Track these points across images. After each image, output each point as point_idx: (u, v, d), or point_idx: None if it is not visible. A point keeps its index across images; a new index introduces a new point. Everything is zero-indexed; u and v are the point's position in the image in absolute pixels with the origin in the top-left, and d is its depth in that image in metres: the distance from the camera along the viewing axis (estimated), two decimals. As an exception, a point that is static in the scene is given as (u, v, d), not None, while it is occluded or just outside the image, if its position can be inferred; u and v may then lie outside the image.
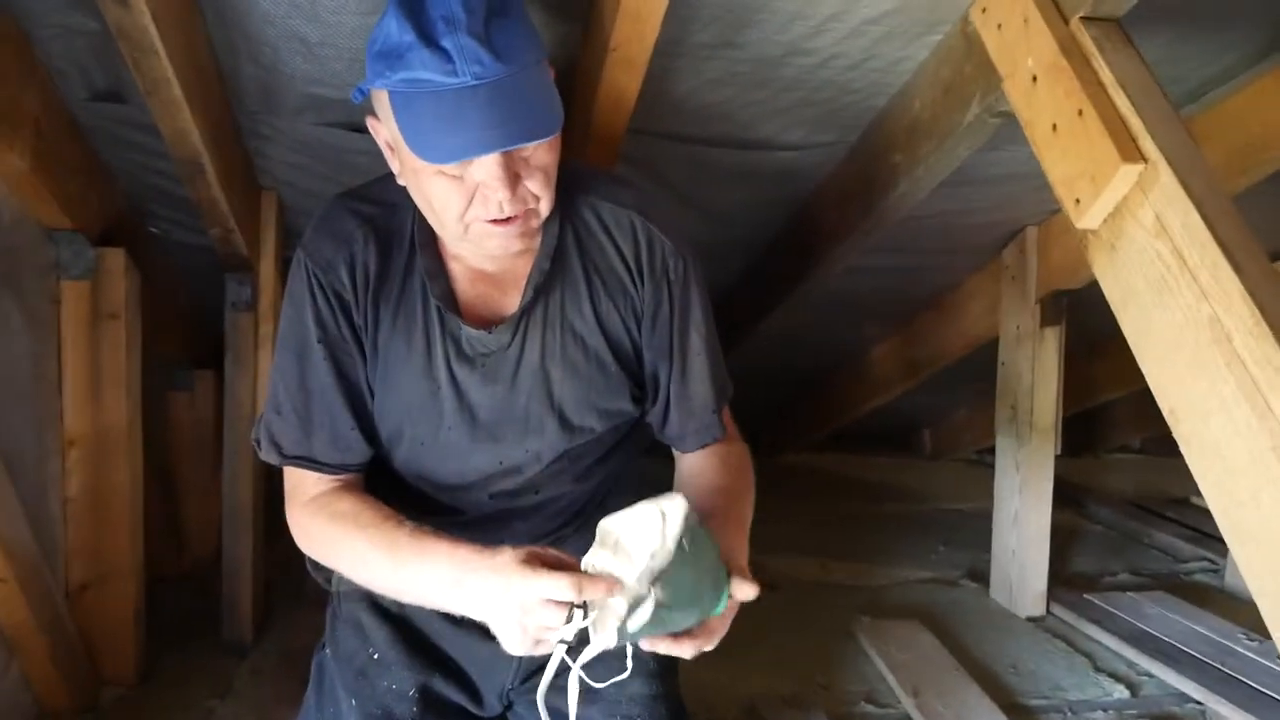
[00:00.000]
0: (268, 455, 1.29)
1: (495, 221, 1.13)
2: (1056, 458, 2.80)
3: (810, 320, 3.03)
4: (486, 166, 1.09)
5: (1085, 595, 2.91)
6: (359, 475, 1.32)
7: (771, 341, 3.07)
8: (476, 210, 1.13)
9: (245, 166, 2.05)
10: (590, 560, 1.01)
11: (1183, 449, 1.20)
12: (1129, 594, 2.93)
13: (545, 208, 1.17)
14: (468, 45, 1.04)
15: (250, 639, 2.37)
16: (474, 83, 1.05)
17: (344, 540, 1.21)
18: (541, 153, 1.13)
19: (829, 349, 3.52)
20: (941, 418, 4.41)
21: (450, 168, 1.09)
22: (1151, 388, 1.25)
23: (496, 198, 1.10)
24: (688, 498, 1.03)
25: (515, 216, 1.14)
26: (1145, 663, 2.49)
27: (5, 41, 1.51)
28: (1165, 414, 1.22)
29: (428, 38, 1.05)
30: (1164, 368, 1.22)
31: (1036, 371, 2.69)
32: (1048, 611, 2.84)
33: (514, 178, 1.11)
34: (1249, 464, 1.09)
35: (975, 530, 3.37)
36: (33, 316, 1.90)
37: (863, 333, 3.42)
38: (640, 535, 0.99)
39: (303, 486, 1.30)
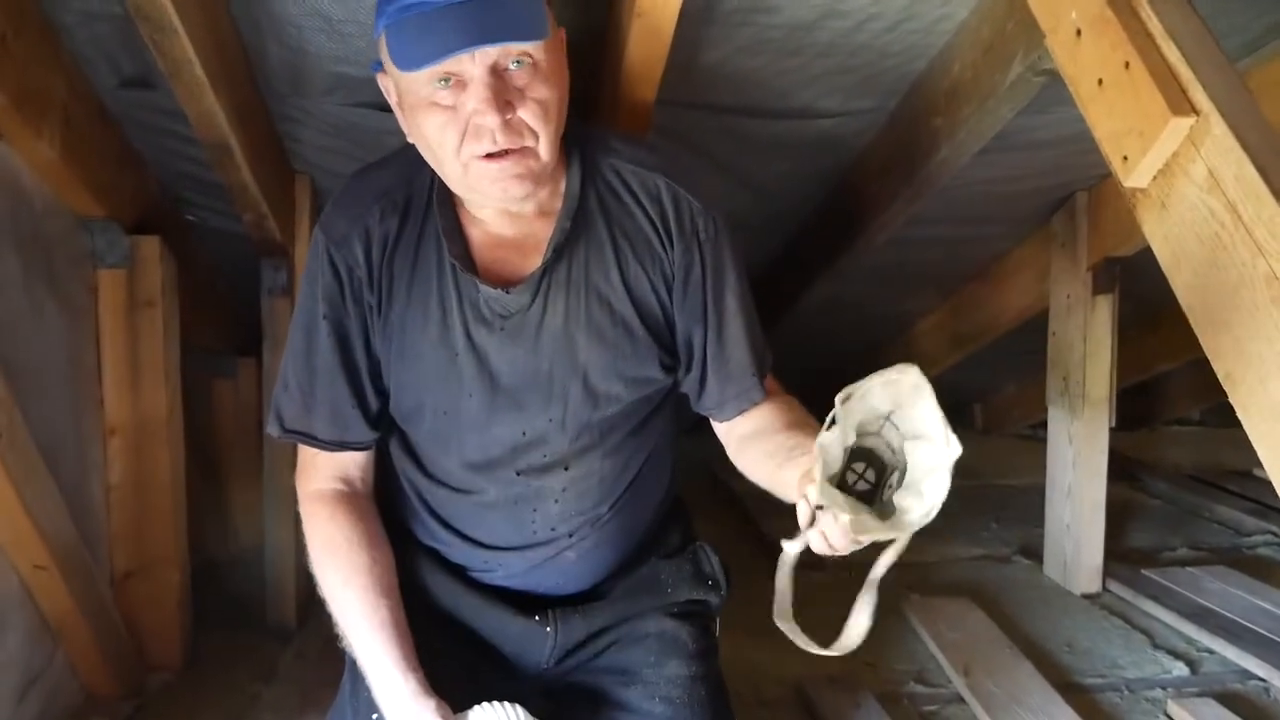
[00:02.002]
0: (271, 427, 1.32)
1: (490, 157, 1.12)
2: (1112, 431, 2.73)
3: (855, 294, 2.98)
4: (476, 90, 1.09)
5: (1142, 571, 2.83)
6: (365, 472, 1.35)
7: (815, 316, 3.03)
8: (471, 145, 1.12)
9: (276, 150, 2.04)
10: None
11: (1240, 415, 1.14)
12: (1188, 569, 2.85)
13: (545, 149, 1.15)
14: None
15: (294, 623, 2.39)
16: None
17: (331, 577, 1.28)
18: (536, 85, 1.13)
19: (874, 323, 3.46)
20: (991, 392, 4.33)
21: (442, 97, 1.10)
22: (1207, 352, 1.19)
23: (487, 125, 1.10)
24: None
25: (511, 151, 1.12)
26: (1205, 639, 2.42)
27: (29, 29, 1.51)
28: (1221, 379, 1.16)
29: None
30: (1219, 330, 1.16)
31: (1089, 341, 2.62)
32: (1103, 588, 2.77)
33: (504, 104, 1.10)
34: (1312, 429, 1.04)
35: (1027, 506, 3.29)
36: (68, 305, 1.91)
37: (909, 306, 3.36)
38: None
39: (311, 467, 1.33)
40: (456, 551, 1.36)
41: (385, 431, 1.34)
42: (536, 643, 1.34)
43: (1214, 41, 1.24)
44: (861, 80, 1.89)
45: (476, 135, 1.11)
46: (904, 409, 0.96)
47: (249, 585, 2.57)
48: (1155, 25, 1.24)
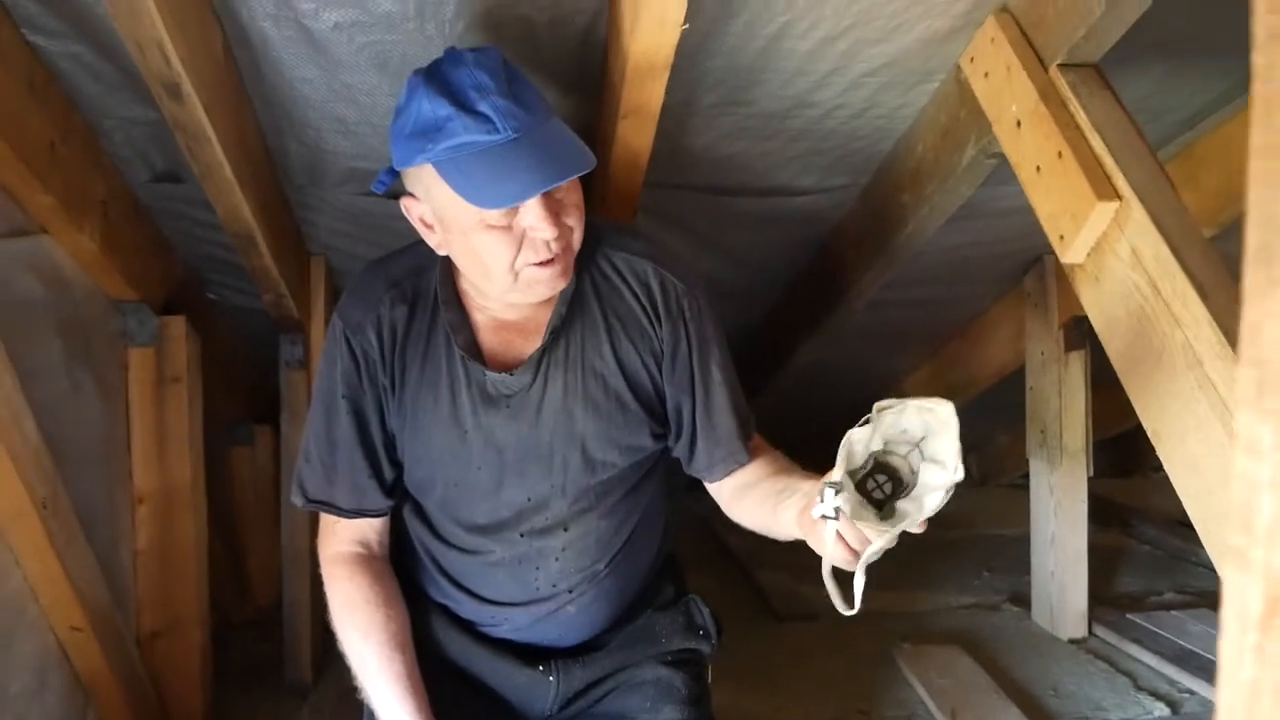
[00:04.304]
0: (294, 498, 1.43)
1: (543, 264, 1.24)
2: (1102, 478, 2.81)
3: (841, 354, 3.09)
4: (533, 210, 1.20)
5: (1128, 615, 2.92)
6: (382, 535, 1.45)
7: (804, 377, 3.14)
8: (526, 255, 1.23)
9: (294, 235, 2.19)
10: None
11: (1166, 468, 1.26)
12: (1172, 612, 2.93)
13: (578, 240, 1.29)
14: (502, 105, 1.17)
15: (311, 680, 2.48)
16: (515, 136, 1.17)
17: (351, 633, 1.39)
18: (573, 191, 1.26)
19: (862, 381, 3.56)
20: (985, 443, 4.42)
21: (499, 220, 1.20)
22: (1137, 412, 1.32)
23: (544, 237, 1.21)
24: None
25: (559, 255, 1.25)
26: (1187, 680, 2.51)
27: (74, 136, 1.67)
28: (1150, 435, 1.29)
29: (464, 106, 1.17)
30: (1146, 392, 1.29)
31: (1064, 396, 2.73)
32: (1090, 633, 2.85)
33: (556, 216, 1.22)
34: (1223, 480, 1.16)
35: (1019, 555, 3.36)
36: (103, 383, 2.04)
37: (894, 363, 3.47)
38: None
39: (331, 533, 1.43)
40: (466, 607, 1.45)
41: (399, 499, 1.46)
42: (540, 691, 1.44)
43: (1136, 132, 1.39)
44: (834, 160, 2.04)
45: (533, 247, 1.23)
46: (931, 438, 1.08)
47: (266, 645, 2.67)
48: (1083, 119, 1.39)
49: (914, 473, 1.10)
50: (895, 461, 1.10)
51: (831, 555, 1.10)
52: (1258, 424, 0.28)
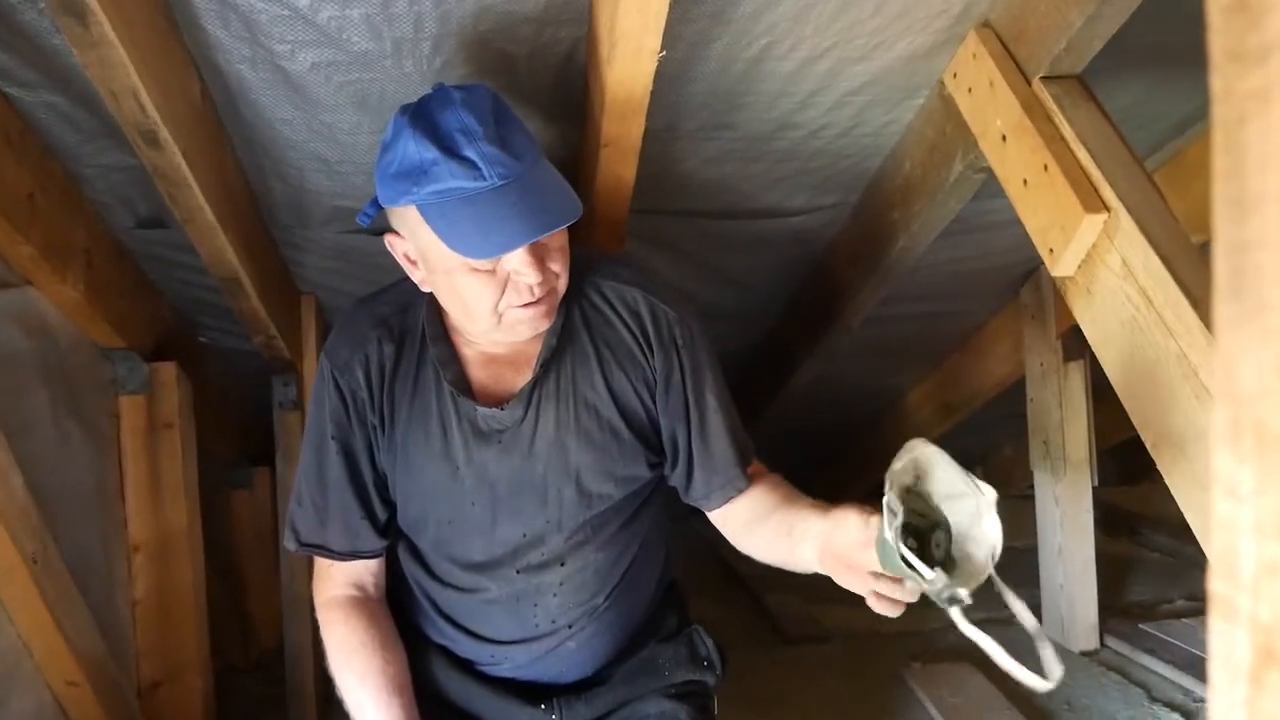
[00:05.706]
0: (288, 542, 1.41)
1: (526, 305, 1.23)
2: (1111, 487, 2.78)
3: (842, 372, 3.08)
4: (518, 256, 1.18)
5: (1140, 625, 2.89)
6: (377, 577, 1.43)
7: (805, 397, 3.12)
8: (510, 298, 1.22)
9: (282, 275, 2.17)
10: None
11: (1166, 479, 1.25)
12: (1184, 620, 2.90)
13: (564, 284, 1.28)
14: (488, 151, 1.15)
15: (316, 723, 2.46)
16: (501, 183, 1.15)
17: (348, 678, 1.36)
18: (558, 234, 1.24)
19: (866, 398, 3.55)
20: (991, 455, 4.40)
21: (483, 264, 1.19)
22: (1134, 422, 1.30)
23: (528, 282, 1.20)
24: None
25: (543, 297, 1.24)
26: (1201, 689, 2.47)
27: (53, 185, 1.66)
28: (1149, 446, 1.27)
29: (449, 151, 1.15)
30: (1143, 403, 1.27)
31: (1065, 407, 2.71)
32: (1102, 644, 2.82)
33: (540, 261, 1.21)
34: (1225, 492, 1.14)
35: (1029, 567, 3.34)
36: (93, 432, 2.03)
37: (897, 380, 3.45)
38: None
39: (326, 576, 1.42)
40: (464, 647, 1.43)
41: (394, 539, 1.44)
42: (542, 731, 1.42)
43: (1122, 142, 1.37)
44: (823, 180, 2.02)
45: (516, 290, 1.22)
46: (926, 478, 1.04)
47: (269, 689, 2.64)
48: (1068, 131, 1.38)
49: (925, 516, 1.05)
50: (918, 522, 1.05)
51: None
52: (1235, 466, 0.27)
